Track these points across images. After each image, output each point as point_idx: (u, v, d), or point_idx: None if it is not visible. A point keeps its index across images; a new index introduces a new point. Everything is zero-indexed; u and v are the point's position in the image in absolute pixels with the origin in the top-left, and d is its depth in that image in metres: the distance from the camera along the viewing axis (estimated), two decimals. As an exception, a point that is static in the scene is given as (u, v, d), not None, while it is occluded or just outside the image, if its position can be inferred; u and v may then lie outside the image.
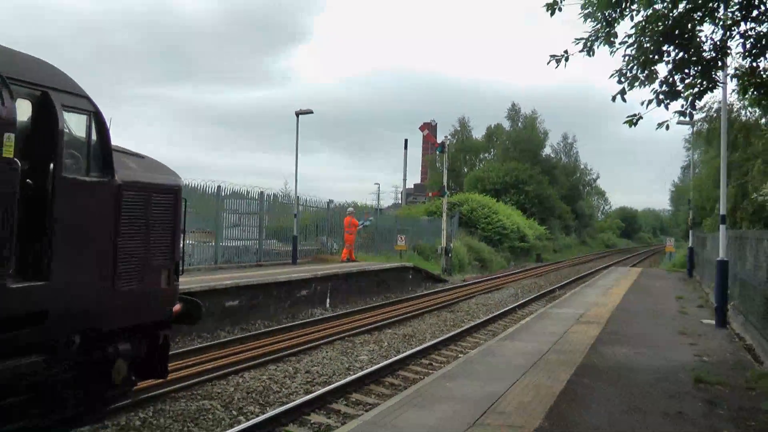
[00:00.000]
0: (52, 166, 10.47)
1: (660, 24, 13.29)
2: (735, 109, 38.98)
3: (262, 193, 38.92)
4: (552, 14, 13.22)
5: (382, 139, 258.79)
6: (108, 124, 11.75)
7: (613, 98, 13.77)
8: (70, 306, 10.86)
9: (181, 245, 14.05)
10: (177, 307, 13.87)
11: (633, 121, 14.01)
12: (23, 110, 10.35)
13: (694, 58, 13.62)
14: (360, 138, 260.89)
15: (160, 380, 14.39)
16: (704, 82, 13.87)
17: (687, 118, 15.59)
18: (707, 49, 13.65)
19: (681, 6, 13.26)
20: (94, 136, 11.41)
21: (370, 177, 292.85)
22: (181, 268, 14.12)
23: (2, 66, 9.97)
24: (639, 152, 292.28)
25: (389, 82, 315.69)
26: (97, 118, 11.45)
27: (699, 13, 13.17)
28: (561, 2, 13.04)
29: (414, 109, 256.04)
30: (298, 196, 42.08)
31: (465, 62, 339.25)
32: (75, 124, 11.13)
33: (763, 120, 27.91)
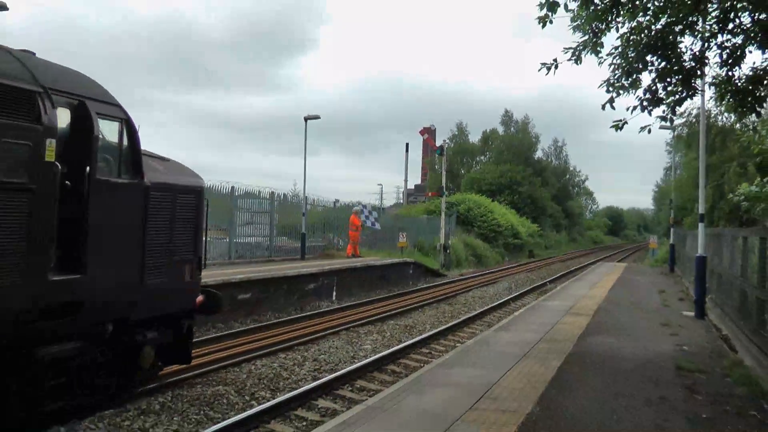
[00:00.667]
0: (87, 169, 10.94)
1: (643, 36, 13.32)
2: (712, 115, 39.16)
3: (272, 193, 38.97)
4: (543, 26, 13.25)
5: (383, 142, 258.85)
6: (137, 131, 12.22)
7: (603, 106, 13.78)
8: (103, 297, 11.42)
9: (204, 241, 14.43)
10: (199, 298, 14.40)
11: (619, 125, 14.05)
12: (62, 118, 10.84)
13: (676, 68, 13.65)
14: (362, 141, 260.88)
15: (184, 365, 14.95)
16: (684, 90, 13.91)
17: (668, 123, 15.65)
18: (687, 59, 13.68)
19: (663, 19, 13.29)
20: (125, 142, 11.92)
21: (372, 178, 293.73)
22: (203, 263, 14.56)
23: (44, 78, 10.50)
24: (625, 155, 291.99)
25: (389, 89, 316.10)
26: (128, 125, 11.97)
27: (680, 26, 13.19)
28: (552, 16, 13.06)
29: (413, 113, 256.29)
30: (306, 196, 42.08)
31: (461, 69, 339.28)
32: (108, 130, 11.63)
33: (738, 125, 27.92)
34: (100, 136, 11.38)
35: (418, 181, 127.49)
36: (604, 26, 13.29)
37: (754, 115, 14.97)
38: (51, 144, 10.18)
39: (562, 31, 13.39)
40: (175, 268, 13.33)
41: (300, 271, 28.54)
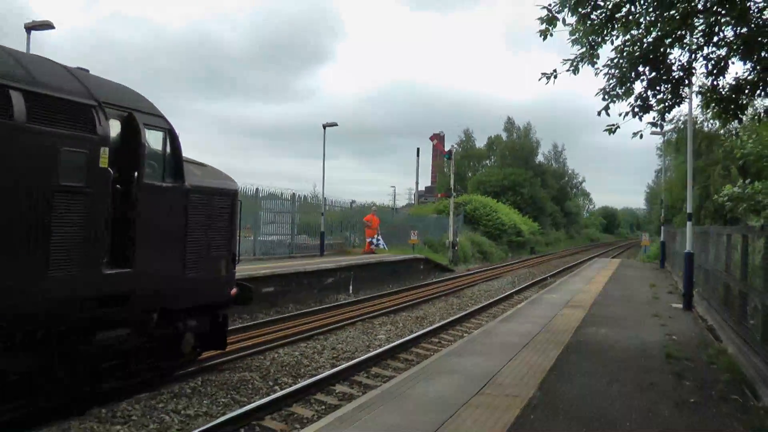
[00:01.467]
0: (136, 174, 11.65)
1: (636, 48, 13.30)
2: (699, 121, 39.04)
3: (294, 194, 39.13)
4: (544, 39, 13.23)
5: (396, 147, 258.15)
6: (179, 139, 12.83)
7: (599, 113, 13.75)
8: (149, 289, 12.07)
9: (238, 239, 15.06)
10: (234, 290, 14.84)
11: (612, 129, 14.03)
12: (114, 128, 11.49)
13: (665, 77, 13.63)
14: (376, 146, 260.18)
15: (219, 351, 15.35)
16: (673, 98, 13.89)
17: (658, 129, 15.61)
18: (676, 70, 13.66)
19: (654, 33, 13.27)
20: (168, 149, 12.58)
21: (386, 180, 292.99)
22: (237, 258, 15.03)
23: (98, 93, 11.24)
24: (619, 159, 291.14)
25: (401, 98, 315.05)
26: (171, 134, 12.63)
27: (669, 39, 13.17)
28: (552, 29, 13.05)
29: (423, 121, 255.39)
30: (324, 198, 42.28)
31: (468, 79, 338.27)
32: (153, 139, 12.26)
33: (723, 131, 27.90)
34: (147, 145, 11.98)
35: (429, 183, 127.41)
36: (600, 39, 13.26)
37: (736, 121, 14.95)
38: (104, 152, 10.87)
39: (556, 43, 13.40)
40: (212, 262, 13.85)
41: (319, 267, 28.61)
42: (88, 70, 12.22)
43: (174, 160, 12.71)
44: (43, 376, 10.65)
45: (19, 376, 10.30)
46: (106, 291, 11.15)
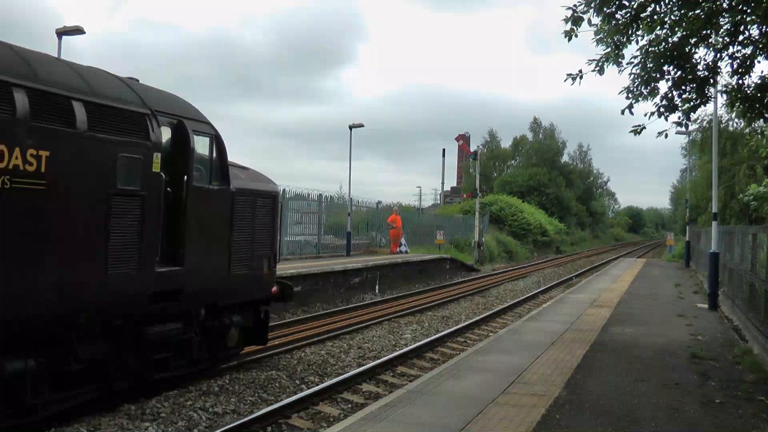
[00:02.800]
0: (185, 177, 12.26)
1: (661, 47, 13.22)
2: (723, 121, 38.83)
3: (320, 195, 39.10)
4: (569, 40, 13.17)
5: (421, 148, 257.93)
6: (224, 144, 13.45)
7: (623, 111, 13.70)
8: (198, 286, 12.65)
9: (278, 239, 15.76)
10: (274, 288, 15.44)
11: (638, 130, 13.96)
12: (165, 135, 12.14)
13: (690, 77, 13.55)
14: (402, 147, 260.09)
15: (261, 346, 15.80)
16: (698, 98, 13.80)
17: (684, 129, 15.51)
18: (701, 69, 13.57)
19: (678, 32, 13.19)
20: (214, 154, 13.22)
21: (412, 181, 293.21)
22: (278, 257, 15.70)
23: (150, 101, 11.88)
24: (644, 158, 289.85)
25: (426, 99, 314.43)
26: (217, 140, 13.27)
27: (694, 39, 13.09)
28: (577, 30, 12.98)
29: (448, 122, 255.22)
30: (351, 198, 42.26)
31: (492, 80, 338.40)
32: (201, 144, 12.90)
33: (748, 130, 27.76)
34: (195, 150, 12.60)
35: (454, 184, 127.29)
36: (625, 39, 13.19)
37: (762, 120, 14.85)
38: (157, 157, 11.52)
39: (580, 42, 13.31)
40: (255, 261, 14.39)
41: (346, 267, 28.57)
42: (138, 80, 12.86)
43: (220, 164, 13.33)
44: (111, 364, 11.38)
45: (90, 364, 10.92)
46: (159, 287, 11.75)
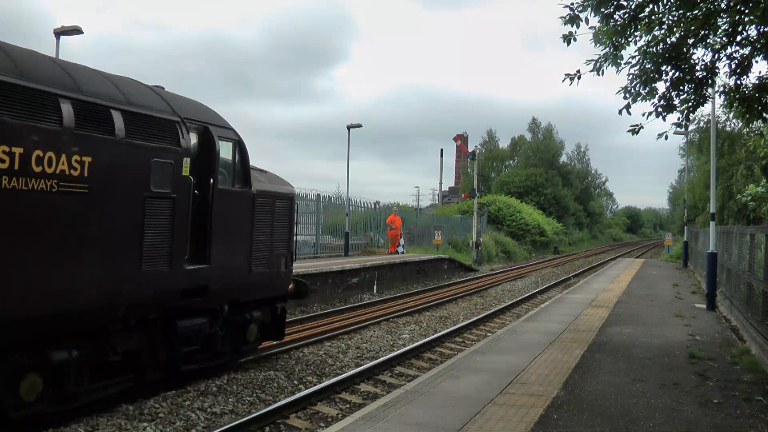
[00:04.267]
0: (211, 180, 13.08)
1: (659, 47, 13.21)
2: (721, 121, 38.87)
3: (318, 195, 39.12)
4: (568, 44, 13.16)
5: (419, 148, 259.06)
6: (246, 149, 14.26)
7: (620, 111, 13.67)
8: (222, 283, 13.46)
9: (295, 239, 16.76)
10: (291, 286, 16.37)
11: (635, 130, 13.92)
12: (192, 140, 12.89)
13: (688, 77, 13.54)
14: (398, 147, 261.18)
15: (278, 341, 16.71)
16: (696, 98, 13.79)
17: (683, 129, 15.52)
18: (699, 69, 13.57)
19: (676, 32, 13.19)
20: (237, 158, 14.02)
21: (410, 181, 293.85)
22: (294, 256, 16.53)
23: (179, 109, 12.70)
24: (641, 159, 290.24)
25: (421, 100, 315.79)
26: (239, 145, 14.09)
27: (692, 39, 13.09)
28: (576, 32, 12.96)
29: (445, 122, 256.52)
30: (349, 198, 42.28)
31: (487, 80, 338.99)
32: (225, 149, 13.69)
33: (746, 130, 27.83)
34: (220, 154, 13.42)
35: (452, 184, 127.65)
36: (623, 40, 13.17)
37: (760, 120, 14.85)
38: (186, 162, 12.32)
39: (572, 43, 13.25)
40: (273, 260, 15.24)
41: (344, 267, 28.56)
42: (163, 87, 13.53)
43: (242, 167, 14.15)
44: (144, 356, 12.19)
45: (126, 355, 11.65)
46: (188, 284, 12.54)
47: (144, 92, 12.37)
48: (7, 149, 9.11)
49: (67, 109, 10.03)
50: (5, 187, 9.11)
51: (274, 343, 16.86)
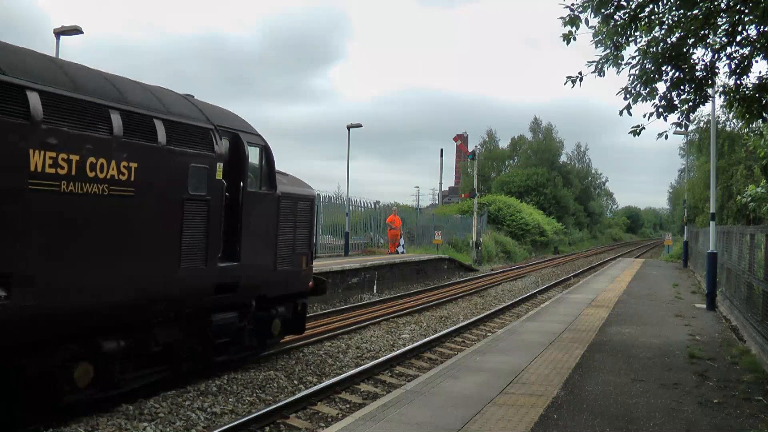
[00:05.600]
0: (241, 183, 14.07)
1: (659, 47, 13.19)
2: (721, 121, 38.85)
3: (318, 195, 39.04)
4: (568, 43, 13.14)
5: (419, 148, 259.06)
6: (272, 153, 15.21)
7: (621, 112, 13.65)
8: (251, 279, 14.37)
9: (314, 238, 17.30)
10: (311, 283, 17.25)
11: (637, 131, 13.90)
12: (224, 146, 13.74)
13: (688, 77, 13.52)
14: (398, 147, 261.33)
15: (298, 335, 17.71)
16: (697, 98, 13.76)
17: (683, 129, 15.49)
18: (699, 69, 13.55)
19: (676, 32, 13.17)
20: (264, 162, 14.96)
21: (410, 181, 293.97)
22: (314, 255, 17.70)
23: (212, 117, 13.63)
24: (641, 159, 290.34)
25: (419, 100, 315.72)
26: (266, 150, 15.03)
27: (692, 39, 13.07)
28: (575, 32, 12.93)
29: (443, 122, 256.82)
30: (349, 198, 42.22)
31: (485, 81, 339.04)
32: (252, 154, 14.59)
33: (746, 130, 27.85)
34: (248, 159, 14.34)
35: (452, 184, 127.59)
36: (623, 40, 13.15)
37: (761, 120, 14.83)
38: (219, 167, 13.23)
39: (574, 43, 13.23)
40: (296, 258, 16.16)
41: (344, 267, 28.54)
42: (192, 95, 14.32)
43: (268, 171, 15.07)
44: (180, 347, 13.04)
45: (162, 347, 12.49)
46: (221, 281, 13.43)
47: (180, 101, 13.27)
48: (65, 156, 9.96)
49: (116, 119, 10.92)
50: (64, 190, 9.97)
51: (295, 337, 17.75)
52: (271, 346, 16.33)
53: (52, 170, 9.79)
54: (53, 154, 9.80)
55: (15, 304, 9.37)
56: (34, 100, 9.64)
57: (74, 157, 10.10)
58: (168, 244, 12.11)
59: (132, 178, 11.13)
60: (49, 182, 9.77)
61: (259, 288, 14.96)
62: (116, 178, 10.85)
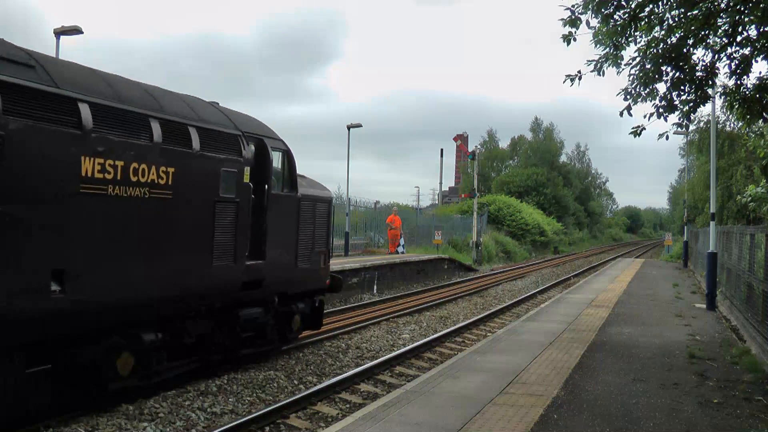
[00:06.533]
0: (266, 186, 14.82)
1: (659, 48, 13.17)
2: (720, 121, 38.85)
3: (317, 195, 39.01)
4: (568, 44, 13.10)
5: (418, 149, 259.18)
6: (294, 158, 16.11)
7: (621, 113, 13.63)
8: (274, 277, 15.17)
9: (331, 238, 18.93)
10: (327, 281, 18.09)
11: (637, 132, 13.87)
12: (251, 151, 14.59)
13: (689, 78, 13.49)
14: (397, 147, 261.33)
15: (316, 330, 18.41)
16: (697, 98, 13.73)
17: (684, 129, 15.49)
18: (700, 69, 13.53)
19: (677, 32, 13.15)
20: (286, 166, 15.86)
21: (409, 181, 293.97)
22: (331, 254, 18.70)
23: (239, 124, 14.56)
24: (641, 159, 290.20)
25: (417, 100, 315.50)
26: (288, 155, 15.93)
27: (692, 39, 13.05)
28: (575, 33, 12.90)
29: (442, 122, 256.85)
30: (349, 198, 42.23)
31: (482, 81, 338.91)
32: (276, 158, 15.47)
33: (746, 130, 27.85)
34: (272, 163, 15.17)
35: (452, 184, 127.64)
36: (623, 40, 13.13)
37: (761, 120, 14.81)
38: (247, 170, 14.12)
39: (574, 43, 13.19)
40: (314, 257, 16.99)
41: (344, 267, 28.52)
42: (217, 103, 15.25)
43: (290, 174, 15.98)
44: (210, 340, 13.89)
45: (194, 340, 13.38)
46: (248, 278, 14.27)
47: (210, 110, 14.25)
48: (112, 162, 10.85)
49: (156, 127, 11.81)
50: (110, 194, 10.84)
51: (313, 332, 18.48)
52: (292, 340, 17.06)
53: (101, 175, 10.64)
54: (101, 161, 10.64)
55: (68, 297, 10.19)
56: (85, 111, 10.44)
57: (119, 163, 10.97)
58: (202, 243, 12.98)
59: (170, 182, 12.00)
60: (98, 186, 10.62)
61: (282, 285, 15.75)
62: (156, 182, 11.70)
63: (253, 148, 14.75)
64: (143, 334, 11.86)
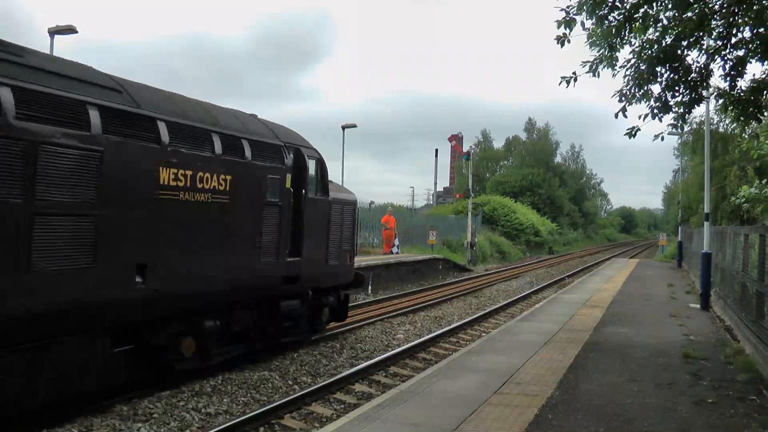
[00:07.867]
0: (303, 191, 16.43)
1: (654, 49, 13.15)
2: (714, 122, 38.94)
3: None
4: (562, 46, 13.08)
5: (412, 148, 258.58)
6: (326, 164, 17.70)
7: (616, 115, 13.60)
8: (309, 272, 16.66)
9: (356, 237, 20.38)
10: (352, 277, 19.55)
11: (632, 133, 13.85)
12: (290, 160, 16.07)
13: (683, 79, 13.48)
14: (391, 147, 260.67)
15: (341, 322, 20.02)
16: (692, 99, 13.72)
17: (679, 130, 15.49)
18: (694, 71, 13.52)
19: (671, 33, 13.13)
20: (319, 173, 17.38)
21: (404, 181, 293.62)
22: (356, 252, 20.29)
23: (280, 135, 16.22)
24: (635, 159, 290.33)
25: (411, 100, 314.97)
26: (321, 162, 17.47)
27: (686, 41, 13.04)
28: (570, 34, 12.88)
29: (436, 122, 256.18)
30: (344, 198, 42.02)
31: (478, 81, 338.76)
32: (311, 166, 17.00)
33: (738, 131, 27.88)
34: (308, 170, 16.72)
35: (447, 184, 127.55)
36: (618, 41, 13.11)
37: (755, 121, 14.81)
38: (288, 177, 15.74)
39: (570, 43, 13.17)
40: (342, 254, 18.58)
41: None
42: (256, 115, 16.72)
43: (323, 180, 17.53)
44: (254, 329, 15.44)
45: (241, 328, 14.96)
46: (287, 273, 15.78)
47: (256, 123, 15.91)
48: (183, 172, 12.47)
49: (216, 140, 13.49)
50: (180, 199, 12.45)
51: (339, 323, 19.98)
52: (320, 331, 18.64)
53: (174, 183, 12.30)
54: (175, 170, 12.31)
55: (149, 288, 11.82)
56: (162, 128, 12.14)
57: (188, 172, 12.62)
58: (252, 242, 14.57)
59: (227, 188, 13.61)
60: (172, 192, 12.27)
61: (315, 280, 17.22)
62: (216, 188, 13.33)
63: (292, 156, 16.16)
64: (205, 321, 13.56)
